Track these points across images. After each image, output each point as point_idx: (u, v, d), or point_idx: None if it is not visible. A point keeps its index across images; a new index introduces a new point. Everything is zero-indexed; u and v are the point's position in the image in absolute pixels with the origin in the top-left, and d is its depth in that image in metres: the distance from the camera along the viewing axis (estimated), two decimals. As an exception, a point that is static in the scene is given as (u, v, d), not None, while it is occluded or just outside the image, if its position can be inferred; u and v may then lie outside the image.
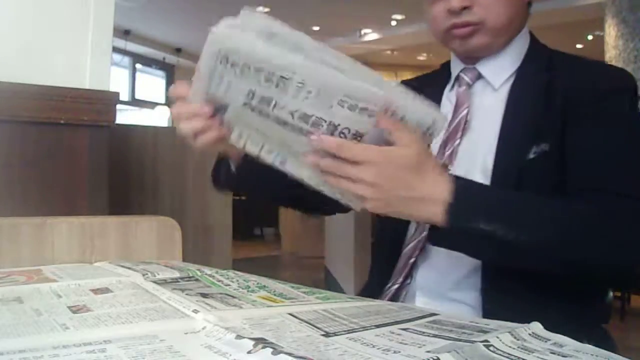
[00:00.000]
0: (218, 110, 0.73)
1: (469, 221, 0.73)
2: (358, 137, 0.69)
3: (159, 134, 2.11)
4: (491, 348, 0.50)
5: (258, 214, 8.46)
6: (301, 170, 0.74)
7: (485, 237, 0.73)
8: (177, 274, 0.80)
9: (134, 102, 9.95)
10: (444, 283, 0.92)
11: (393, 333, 0.56)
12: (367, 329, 0.57)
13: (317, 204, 0.99)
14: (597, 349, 0.51)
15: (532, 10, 0.99)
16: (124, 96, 9.52)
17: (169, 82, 10.76)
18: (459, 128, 0.95)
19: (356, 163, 0.69)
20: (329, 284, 4.80)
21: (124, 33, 8.57)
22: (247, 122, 0.72)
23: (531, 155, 0.87)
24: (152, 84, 10.48)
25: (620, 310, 3.97)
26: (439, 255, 0.92)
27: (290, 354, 0.45)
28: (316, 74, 0.64)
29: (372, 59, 10.49)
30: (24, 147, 1.44)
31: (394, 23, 8.67)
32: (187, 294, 0.68)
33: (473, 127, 0.95)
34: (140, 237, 1.00)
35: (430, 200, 0.72)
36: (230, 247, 2.39)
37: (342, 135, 0.68)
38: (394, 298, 0.95)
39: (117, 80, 8.78)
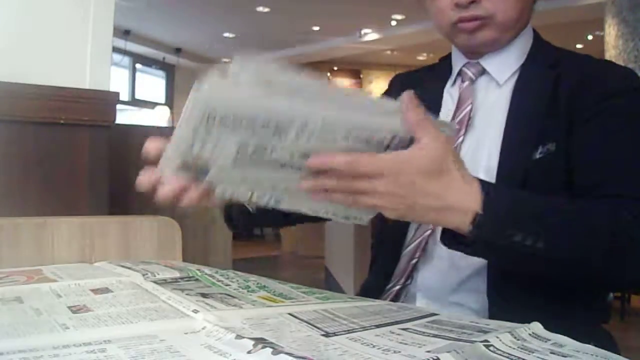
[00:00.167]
0: (198, 175, 0.64)
1: (497, 233, 0.68)
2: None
3: (159, 134, 2.11)
4: (491, 348, 0.50)
5: (258, 214, 8.44)
6: (300, 205, 0.68)
7: (511, 248, 0.69)
8: (177, 274, 0.80)
9: (134, 102, 9.94)
10: (445, 285, 0.91)
11: (393, 333, 0.56)
12: (367, 329, 0.56)
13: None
14: (597, 349, 0.51)
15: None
16: (124, 96, 9.51)
17: (169, 82, 10.76)
18: (462, 125, 0.93)
19: (369, 176, 0.62)
20: (329, 284, 4.80)
21: (124, 33, 8.56)
22: (231, 178, 0.64)
23: (537, 156, 0.85)
24: (152, 84, 10.48)
25: (620, 310, 3.97)
26: (441, 257, 0.91)
27: (290, 354, 0.45)
28: (318, 117, 0.58)
29: (372, 59, 10.49)
30: (24, 147, 1.44)
31: (394, 23, 8.66)
32: (187, 294, 0.68)
33: (476, 125, 0.93)
34: (140, 237, 1.00)
35: (457, 210, 0.66)
36: (230, 247, 2.39)
37: None
38: (395, 300, 0.94)
39: (117, 80, 8.78)
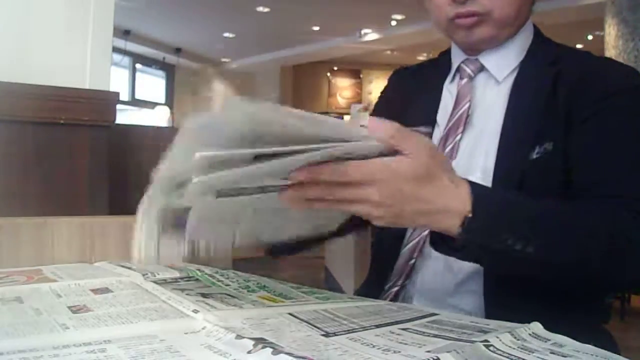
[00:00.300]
0: (176, 221, 0.62)
1: (487, 237, 0.67)
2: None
3: (159, 134, 2.12)
4: (491, 348, 0.50)
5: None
6: (286, 230, 0.66)
7: (501, 252, 0.68)
8: (177, 274, 0.80)
9: (134, 102, 9.94)
10: (442, 287, 0.90)
11: (393, 333, 0.56)
12: (367, 329, 0.57)
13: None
14: (597, 349, 0.51)
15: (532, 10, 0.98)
16: (124, 96, 9.51)
17: (169, 82, 10.76)
18: (460, 122, 0.92)
19: (356, 184, 0.60)
20: (329, 284, 4.80)
21: (124, 33, 8.56)
22: (211, 216, 0.63)
23: (534, 156, 0.84)
24: (152, 84, 10.48)
25: (620, 310, 3.97)
26: (437, 258, 0.90)
27: (290, 354, 0.45)
28: (308, 155, 0.55)
29: (372, 59, 10.49)
30: (24, 147, 1.44)
31: (394, 23, 8.66)
32: (187, 294, 0.68)
33: (474, 123, 0.92)
34: (140, 237, 1.00)
35: (447, 213, 0.65)
36: (230, 247, 2.38)
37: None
38: (394, 300, 0.94)
39: (117, 80, 8.78)
